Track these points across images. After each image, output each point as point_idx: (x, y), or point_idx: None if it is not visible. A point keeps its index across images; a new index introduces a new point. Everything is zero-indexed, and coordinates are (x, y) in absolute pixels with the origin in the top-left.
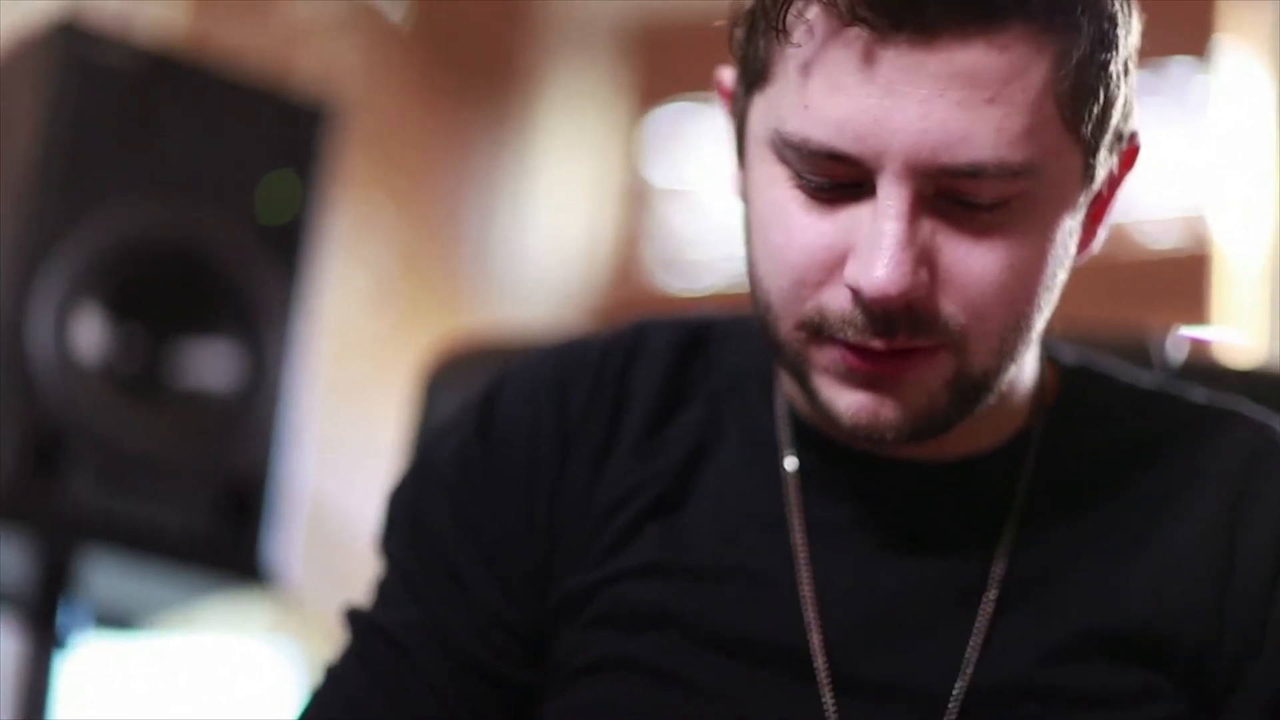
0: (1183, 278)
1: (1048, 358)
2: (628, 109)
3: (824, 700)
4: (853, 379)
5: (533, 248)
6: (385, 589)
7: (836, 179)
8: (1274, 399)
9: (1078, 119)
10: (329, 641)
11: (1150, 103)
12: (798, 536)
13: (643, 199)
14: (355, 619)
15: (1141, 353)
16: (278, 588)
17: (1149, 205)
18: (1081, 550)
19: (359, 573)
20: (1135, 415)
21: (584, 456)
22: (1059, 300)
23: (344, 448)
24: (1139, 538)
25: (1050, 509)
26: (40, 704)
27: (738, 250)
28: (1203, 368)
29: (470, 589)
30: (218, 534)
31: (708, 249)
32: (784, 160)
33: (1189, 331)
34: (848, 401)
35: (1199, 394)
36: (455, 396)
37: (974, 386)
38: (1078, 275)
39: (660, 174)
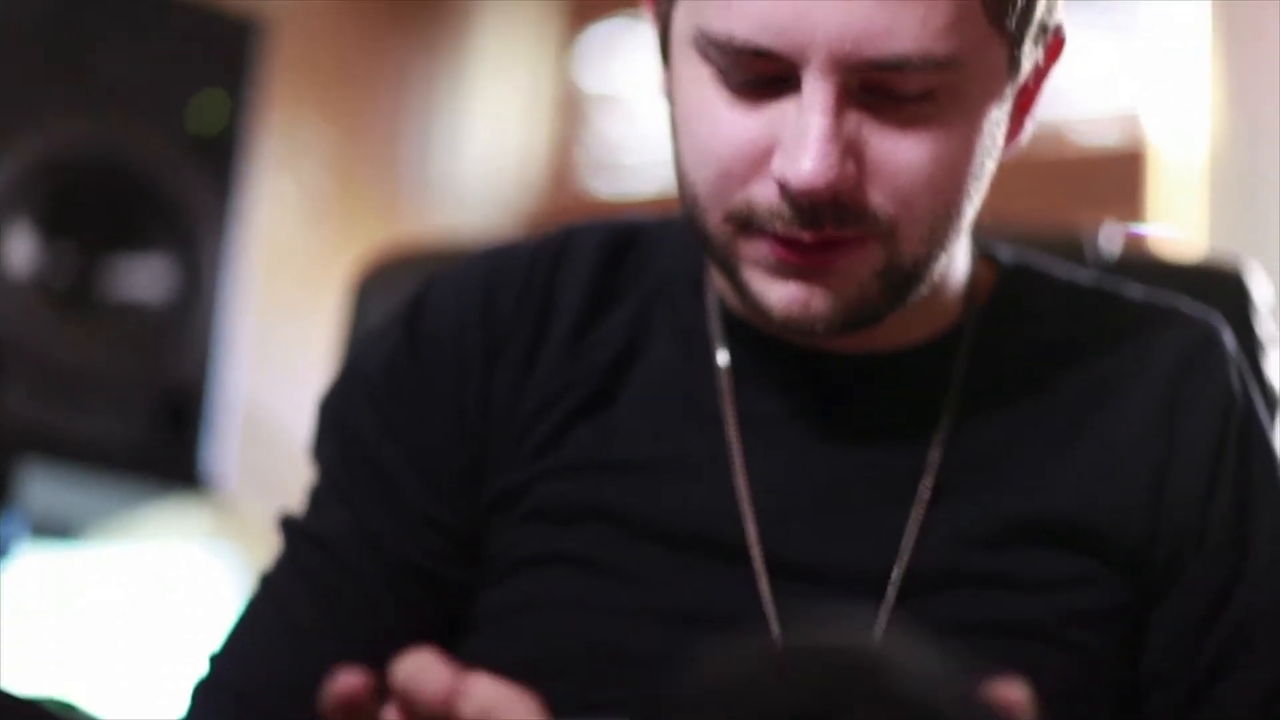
0: (1119, 176)
1: (986, 256)
2: (562, 22)
3: (760, 587)
4: (782, 271)
5: (467, 158)
6: (317, 496)
7: (761, 75)
8: (1211, 294)
9: (1002, 11)
10: (267, 547)
11: (1085, 2)
12: (731, 429)
13: (576, 107)
14: (289, 526)
15: (1076, 249)
16: (215, 494)
17: (1084, 104)
18: (1017, 441)
19: (295, 479)
20: (1072, 311)
21: (512, 358)
22: (995, 199)
23: (279, 357)
24: (1076, 431)
25: (986, 401)
26: None
27: (669, 155)
28: (1139, 263)
29: (401, 492)
30: (154, 443)
31: (641, 155)
32: (708, 59)
33: (1123, 227)
34: (778, 294)
35: (1137, 291)
36: (386, 304)
37: (904, 276)
38: (1014, 175)
39: (593, 82)
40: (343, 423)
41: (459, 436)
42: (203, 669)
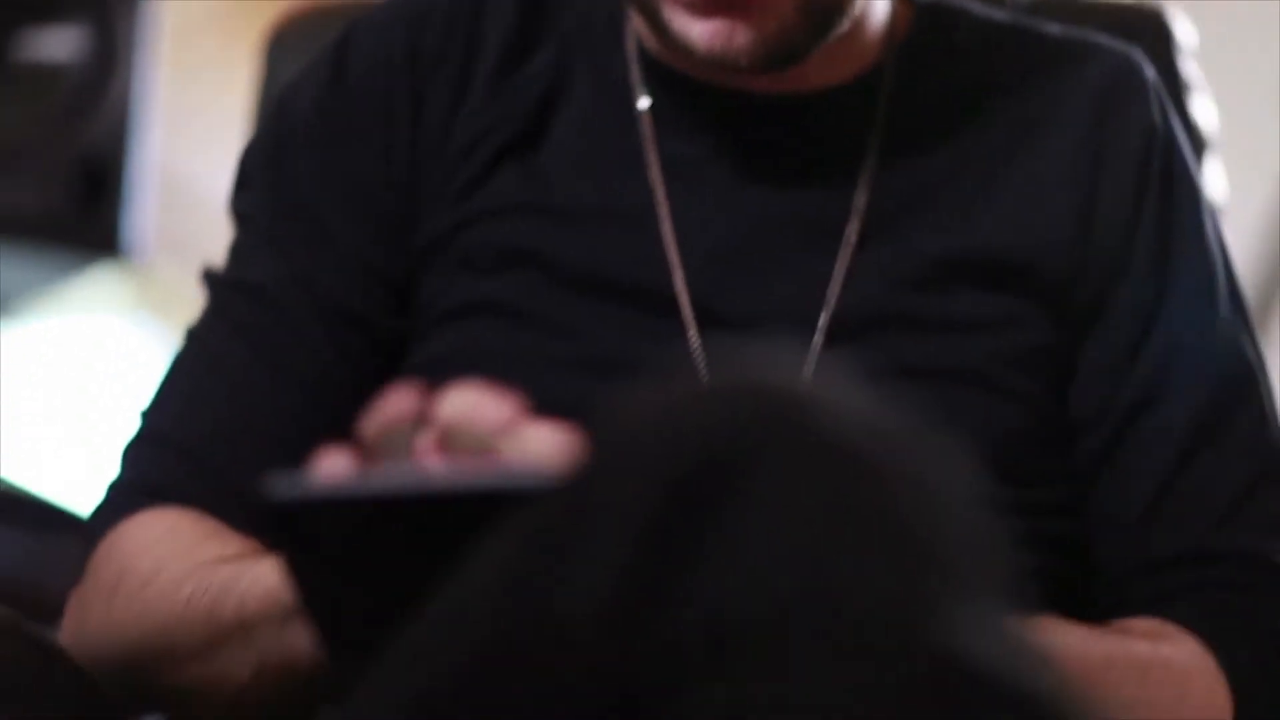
0: None
1: None
2: None
3: (689, 335)
4: (703, 8)
5: None
6: (243, 249)
7: None
8: (1132, 35)
9: None
10: (188, 315)
11: None
12: (655, 175)
13: None
14: (213, 281)
15: None
16: (135, 263)
17: None
18: (941, 180)
19: (214, 245)
20: (992, 48)
21: (439, 96)
22: None
23: (195, 122)
24: (1000, 167)
25: (909, 141)
26: None
27: None
28: (1057, 3)
29: (335, 236)
30: (73, 212)
31: None
32: None
33: None
34: (700, 29)
35: (1054, 28)
36: (299, 62)
37: (824, 9)
38: None
39: None
40: (272, 168)
41: (390, 178)
42: (132, 428)
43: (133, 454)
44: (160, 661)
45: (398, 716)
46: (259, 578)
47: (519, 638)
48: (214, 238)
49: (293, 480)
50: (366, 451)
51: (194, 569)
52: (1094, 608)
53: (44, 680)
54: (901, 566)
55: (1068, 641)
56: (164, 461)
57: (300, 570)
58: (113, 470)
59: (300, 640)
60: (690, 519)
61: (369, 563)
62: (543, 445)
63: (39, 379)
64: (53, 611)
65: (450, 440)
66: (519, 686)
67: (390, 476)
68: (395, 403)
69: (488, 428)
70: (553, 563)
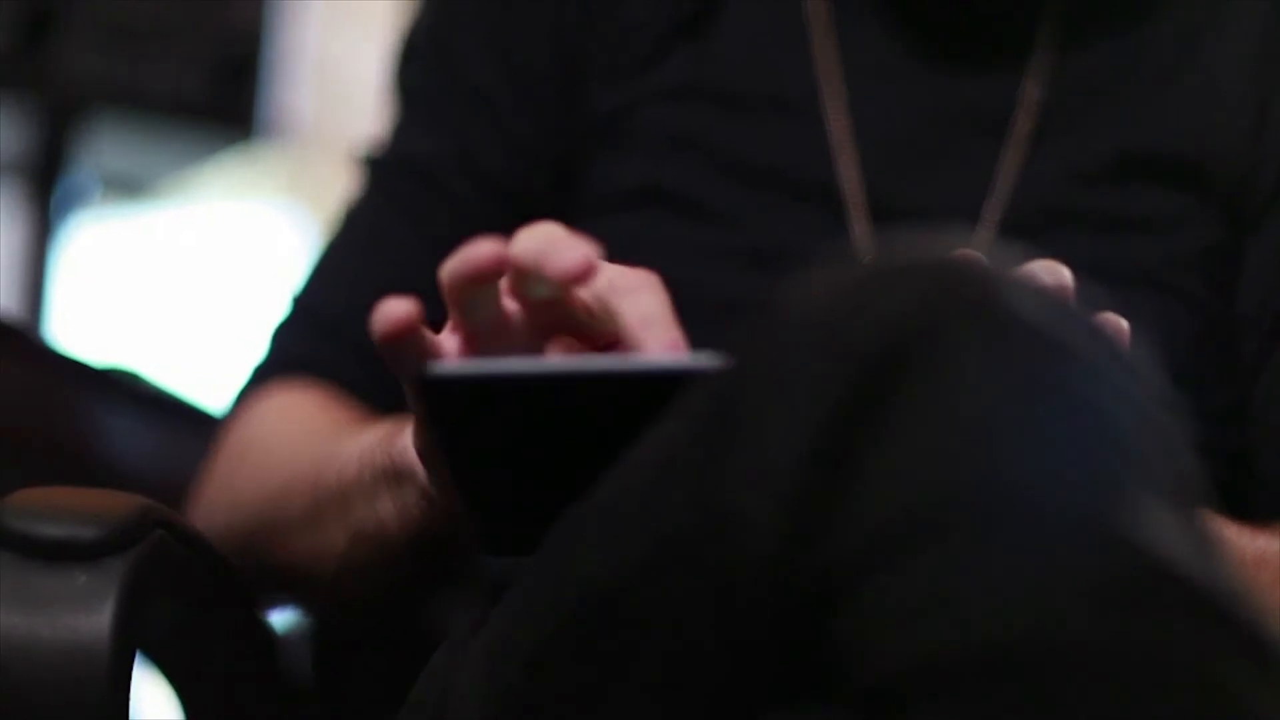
0: None
1: None
2: None
3: (855, 228)
4: None
5: None
6: (404, 125)
7: None
8: None
9: None
10: (337, 200)
11: None
12: (827, 64)
13: None
14: (371, 161)
15: None
16: (281, 147)
17: None
18: (1119, 73)
19: (366, 130)
20: None
21: None
22: None
23: (347, 5)
24: (1176, 63)
25: (1087, 31)
26: (42, 276)
27: None
28: None
29: (498, 114)
30: (219, 93)
31: None
32: None
33: None
34: None
35: None
36: None
37: None
38: None
39: None
40: (438, 41)
41: (557, 56)
42: (283, 310)
43: (280, 333)
44: (279, 532)
45: (553, 619)
46: (355, 443)
47: (687, 534)
48: (365, 121)
49: (452, 363)
50: (451, 304)
51: (312, 436)
52: (1253, 516)
53: (195, 572)
54: (1094, 455)
55: (1223, 537)
56: (312, 338)
57: (455, 456)
58: (256, 354)
59: (383, 504)
60: (876, 403)
61: (527, 451)
62: (626, 283)
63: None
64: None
65: (522, 286)
66: (686, 587)
67: (552, 361)
68: (476, 253)
69: (560, 273)
70: (726, 452)
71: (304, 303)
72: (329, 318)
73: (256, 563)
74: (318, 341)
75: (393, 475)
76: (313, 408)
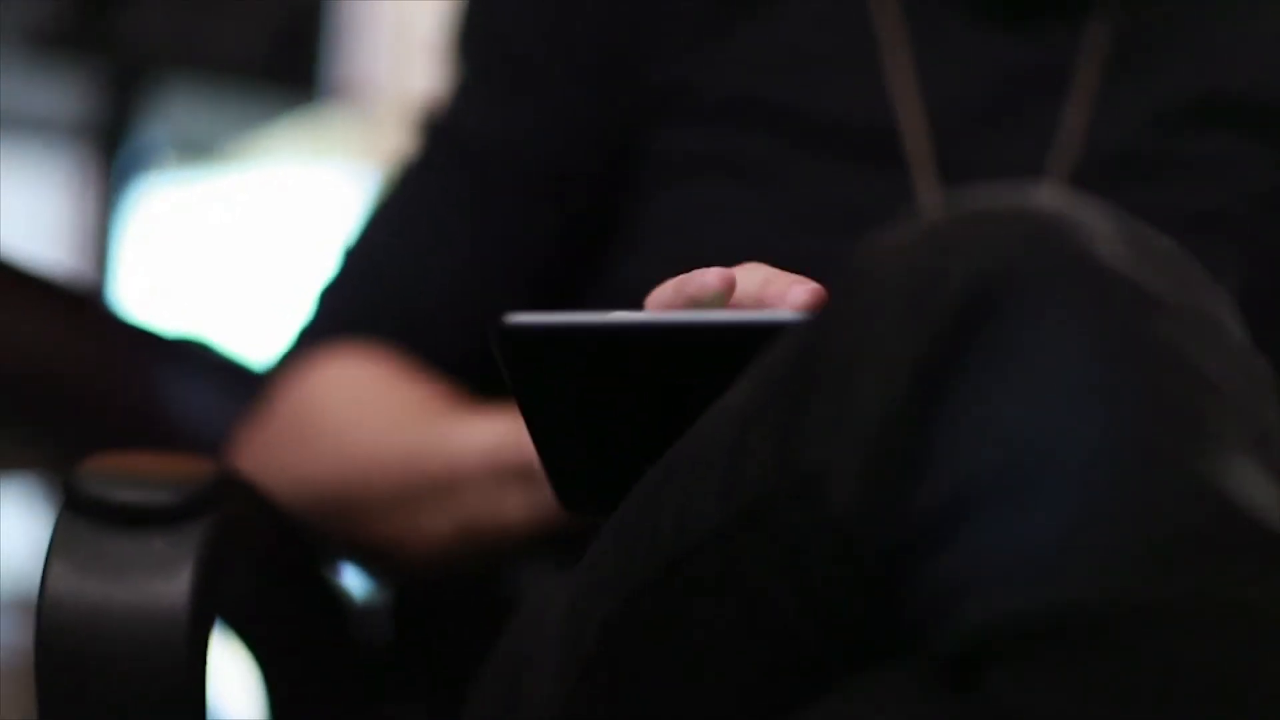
0: None
1: None
2: None
3: (921, 186)
4: None
5: None
6: (460, 95)
7: None
8: None
9: None
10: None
11: None
12: (889, 25)
13: None
14: (428, 124)
15: None
16: (352, 109)
17: None
18: (1182, 20)
19: (436, 92)
20: None
21: None
22: None
23: None
24: (1243, 6)
25: None
26: (108, 239)
27: None
28: None
29: (551, 90)
30: (284, 56)
31: None
32: None
33: None
34: None
35: None
36: None
37: None
38: None
39: None
40: (489, 17)
41: (612, 28)
42: (333, 269)
43: (329, 295)
44: (359, 510)
45: (630, 583)
46: (473, 435)
47: (766, 495)
48: (435, 82)
49: (531, 315)
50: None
51: (398, 417)
52: None
53: (272, 538)
54: (1181, 406)
55: None
56: (362, 302)
57: (533, 411)
58: (305, 314)
59: (511, 501)
60: (957, 358)
61: (605, 407)
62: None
63: (250, 224)
64: None
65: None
66: (764, 548)
67: (632, 314)
68: (704, 280)
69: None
70: (806, 412)
71: (355, 263)
72: (381, 280)
73: (330, 533)
74: (370, 303)
75: (528, 474)
76: (387, 381)
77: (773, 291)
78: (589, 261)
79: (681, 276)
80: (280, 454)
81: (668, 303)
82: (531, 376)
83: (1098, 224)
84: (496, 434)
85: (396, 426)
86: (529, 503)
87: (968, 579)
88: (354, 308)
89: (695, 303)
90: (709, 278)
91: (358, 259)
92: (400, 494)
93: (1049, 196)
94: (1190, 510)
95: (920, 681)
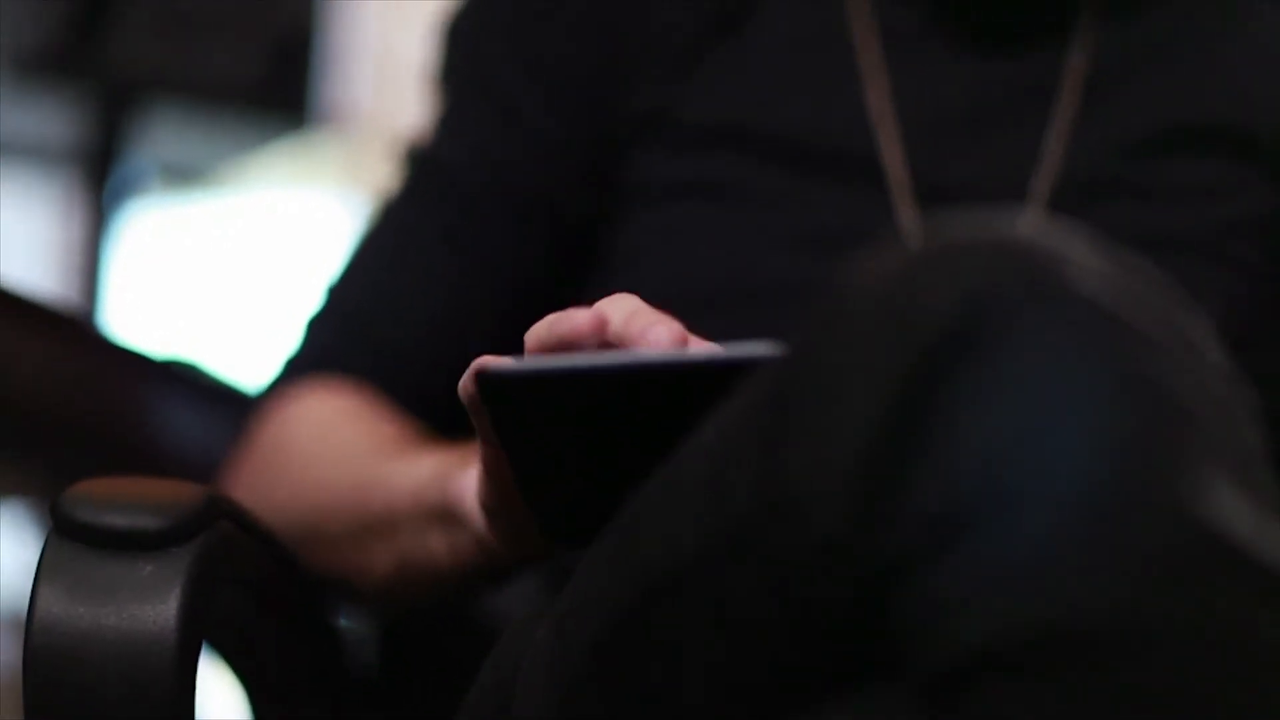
0: None
1: None
2: None
3: (901, 209)
4: None
5: None
6: (442, 125)
7: None
8: None
9: None
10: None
11: None
12: (869, 46)
13: None
14: (410, 155)
15: None
16: (340, 134)
17: None
18: (1164, 44)
19: (423, 119)
20: None
21: None
22: None
23: None
24: (1223, 30)
25: (1129, 4)
26: (97, 263)
27: None
28: None
29: (529, 120)
30: (274, 81)
31: None
32: None
33: None
34: None
35: None
36: None
37: None
38: None
39: None
40: (470, 45)
41: (589, 56)
42: (319, 301)
43: (313, 328)
44: (320, 542)
45: (616, 606)
46: (407, 474)
47: (748, 520)
48: (422, 109)
49: (511, 358)
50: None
51: (353, 455)
52: None
53: (260, 562)
54: (1158, 432)
55: None
56: (342, 337)
57: (514, 450)
58: (290, 344)
59: (434, 541)
60: (936, 385)
61: (586, 444)
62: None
63: (238, 250)
64: None
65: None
66: (747, 572)
67: (610, 355)
68: (574, 322)
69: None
70: (786, 438)
71: (338, 298)
72: (361, 316)
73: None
74: (349, 339)
75: (447, 516)
76: (353, 419)
77: (635, 328)
78: (570, 287)
79: (553, 315)
80: (257, 483)
81: (540, 338)
82: (510, 417)
83: (1076, 251)
84: (424, 475)
85: (351, 462)
86: (450, 543)
87: (951, 600)
88: (333, 342)
89: (566, 343)
90: (578, 319)
91: (340, 293)
92: (349, 528)
93: (1027, 224)
94: (1169, 534)
95: (905, 701)
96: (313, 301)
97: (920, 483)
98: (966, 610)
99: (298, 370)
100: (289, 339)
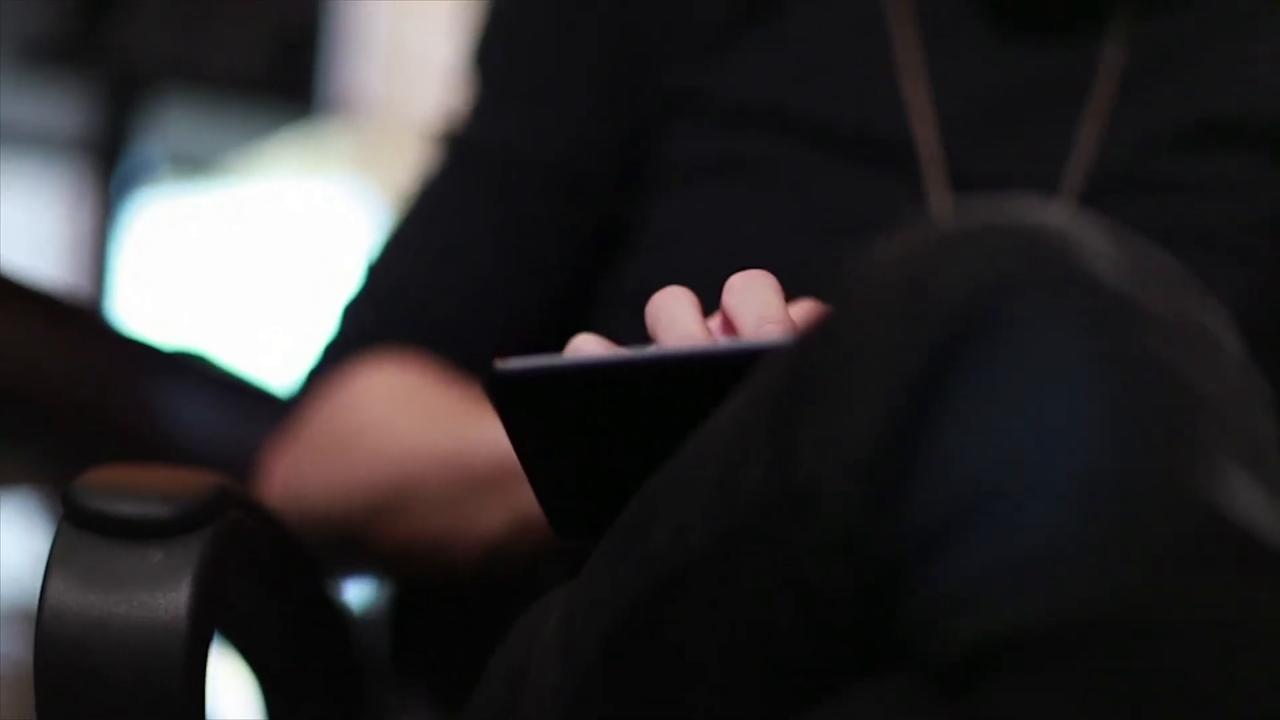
0: None
1: None
2: None
3: (933, 196)
4: None
5: None
6: (481, 105)
7: None
8: None
9: None
10: (406, 176)
11: None
12: (905, 33)
13: None
14: (449, 137)
15: None
16: (349, 123)
17: None
18: (1199, 38)
19: (434, 106)
20: None
21: None
22: None
23: None
24: (1259, 24)
25: None
26: (106, 254)
27: None
28: None
29: (570, 98)
30: (282, 69)
31: None
32: None
33: None
34: None
35: None
36: None
37: None
38: None
39: None
40: (508, 27)
41: (625, 35)
42: (356, 284)
43: (353, 310)
44: (409, 511)
45: (627, 597)
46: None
47: (761, 510)
48: (432, 96)
49: (518, 360)
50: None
51: (442, 417)
52: None
53: (271, 551)
54: (1172, 420)
55: None
56: (388, 314)
57: (525, 446)
58: (324, 330)
59: None
60: (949, 372)
61: (597, 439)
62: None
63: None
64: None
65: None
66: (759, 562)
67: (617, 351)
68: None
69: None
70: (800, 427)
71: (380, 279)
72: (405, 292)
73: (371, 543)
74: (396, 315)
75: None
76: (426, 386)
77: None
78: (605, 265)
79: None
80: (320, 466)
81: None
82: (522, 415)
83: (1092, 239)
84: None
85: (441, 425)
86: None
87: (963, 590)
88: (378, 321)
89: None
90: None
91: (382, 272)
92: (451, 490)
93: (1043, 211)
94: (1183, 523)
95: (916, 692)
96: (332, 287)
97: (933, 473)
98: (978, 602)
99: (342, 352)
100: (301, 327)
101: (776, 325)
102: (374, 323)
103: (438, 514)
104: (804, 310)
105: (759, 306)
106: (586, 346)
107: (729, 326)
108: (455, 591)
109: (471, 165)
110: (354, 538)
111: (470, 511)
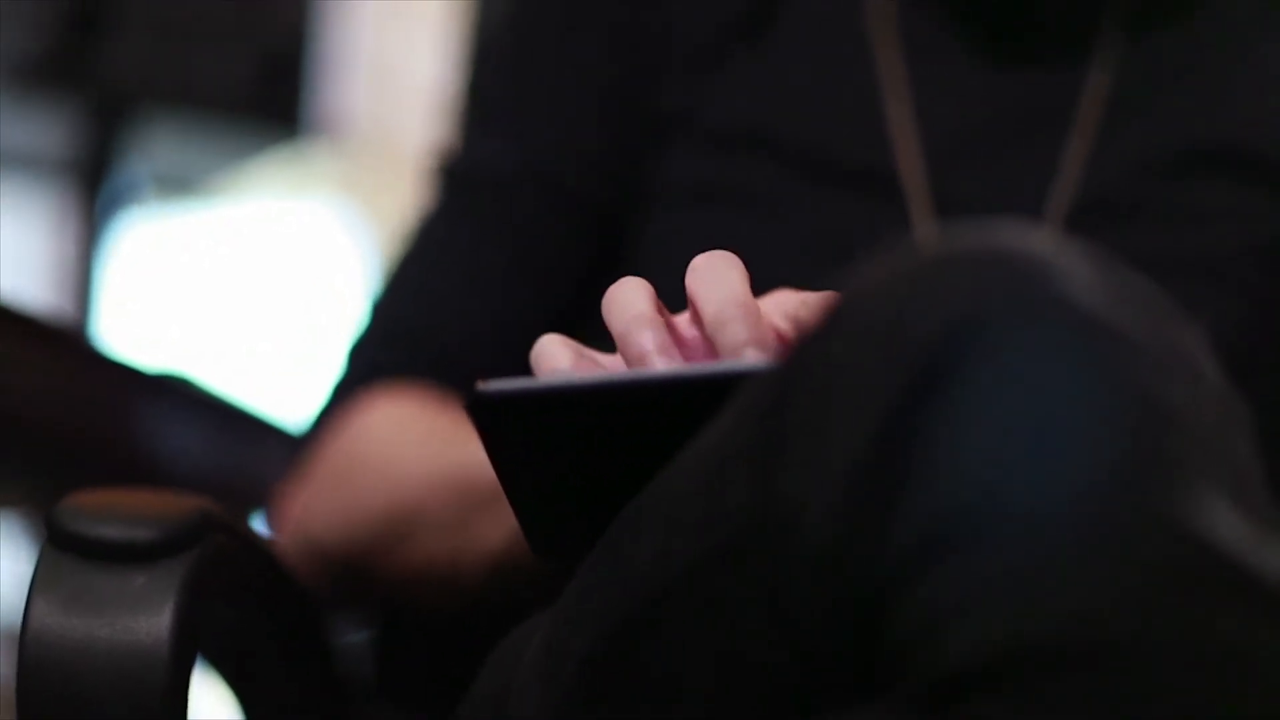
0: None
1: None
2: None
3: (917, 222)
4: None
5: None
6: (477, 131)
7: None
8: None
9: None
10: (391, 197)
11: None
12: (889, 58)
13: None
14: (445, 168)
15: None
16: (334, 144)
17: None
18: (1185, 65)
19: (419, 128)
20: None
21: None
22: None
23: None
24: (1244, 52)
25: (1150, 24)
26: (90, 274)
27: None
28: None
29: (567, 121)
30: (266, 91)
31: None
32: None
33: None
34: None
35: None
36: None
37: None
38: None
39: None
40: (504, 51)
41: (618, 58)
42: (361, 324)
43: (361, 348)
44: (415, 534)
45: (607, 618)
46: None
47: (741, 532)
48: (417, 119)
49: (496, 383)
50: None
51: (444, 442)
52: None
53: (254, 575)
54: (1151, 445)
55: None
56: (396, 349)
57: (505, 468)
58: (334, 369)
59: None
60: (930, 397)
61: (578, 461)
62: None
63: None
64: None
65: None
66: (740, 585)
67: (597, 374)
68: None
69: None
70: (781, 450)
71: (385, 317)
72: (412, 326)
73: (381, 571)
74: (404, 349)
75: None
76: (432, 414)
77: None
78: (599, 286)
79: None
80: (327, 501)
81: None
82: (503, 437)
83: (1074, 265)
84: None
85: (441, 447)
86: None
87: (944, 612)
88: (387, 355)
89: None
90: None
91: (387, 309)
92: (456, 511)
93: (1025, 237)
94: (1162, 547)
95: (898, 713)
96: (318, 309)
97: (913, 497)
98: (960, 624)
99: (350, 391)
100: (287, 348)
101: (757, 350)
102: (383, 358)
103: (443, 536)
104: (774, 299)
105: (722, 289)
106: (551, 349)
107: (695, 313)
108: (440, 615)
109: (469, 194)
110: (364, 569)
111: (474, 530)
